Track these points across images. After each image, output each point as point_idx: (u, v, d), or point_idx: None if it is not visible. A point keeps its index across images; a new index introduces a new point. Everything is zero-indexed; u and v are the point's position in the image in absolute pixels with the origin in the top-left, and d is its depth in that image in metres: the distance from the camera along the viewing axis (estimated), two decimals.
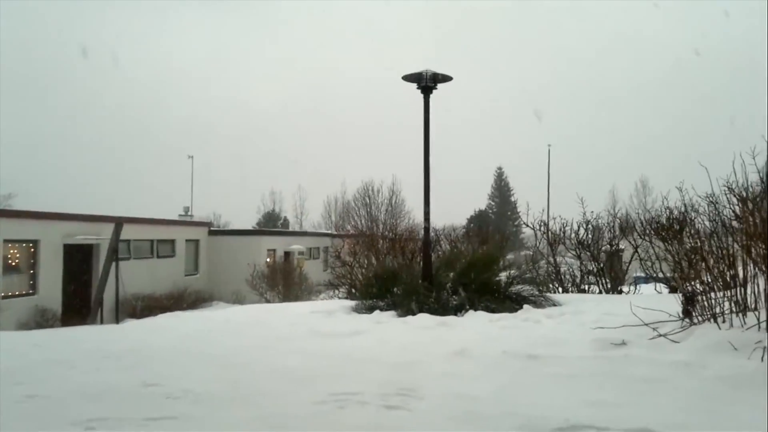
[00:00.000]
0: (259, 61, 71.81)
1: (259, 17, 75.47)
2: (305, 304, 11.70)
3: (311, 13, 75.62)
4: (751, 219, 5.97)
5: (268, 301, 20.68)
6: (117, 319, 18.12)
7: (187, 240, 26.91)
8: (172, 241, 25.88)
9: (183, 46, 68.00)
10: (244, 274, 23.26)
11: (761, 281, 5.02)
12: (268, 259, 26.66)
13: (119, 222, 20.07)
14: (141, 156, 57.59)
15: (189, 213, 32.09)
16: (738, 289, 5.21)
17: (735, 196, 8.00)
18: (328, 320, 7.73)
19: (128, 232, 20.89)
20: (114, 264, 19.48)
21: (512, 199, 65.77)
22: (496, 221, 57.23)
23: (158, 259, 24.62)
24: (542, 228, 12.94)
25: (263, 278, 22.78)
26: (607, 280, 11.92)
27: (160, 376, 4.79)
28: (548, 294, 9.15)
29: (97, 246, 20.35)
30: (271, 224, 50.85)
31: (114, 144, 57.29)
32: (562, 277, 11.87)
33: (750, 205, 6.91)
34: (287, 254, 28.58)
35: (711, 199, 9.48)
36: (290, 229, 48.79)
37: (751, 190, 8.02)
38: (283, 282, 22.24)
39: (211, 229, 30.40)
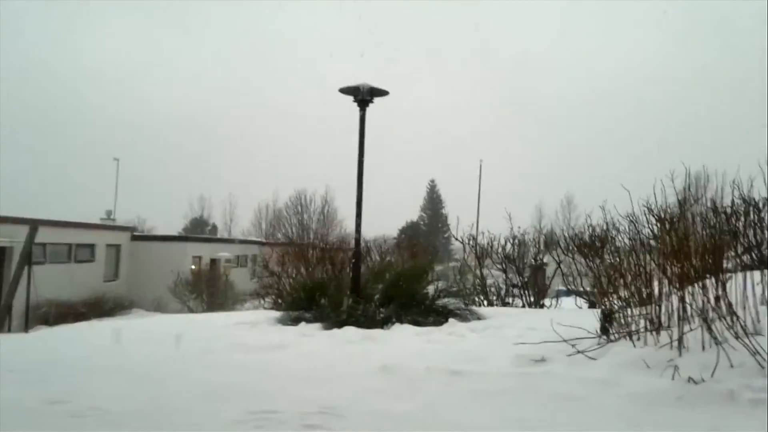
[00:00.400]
0: (194, 63, 70.17)
1: (193, 18, 73.81)
2: (229, 314, 11.41)
3: (248, 14, 74.60)
4: (667, 238, 6.22)
5: (191, 310, 20.10)
6: (27, 327, 17.14)
7: (107, 245, 25.89)
8: (92, 246, 24.87)
9: (110, 44, 65.73)
10: (167, 282, 22.55)
11: (674, 300, 5.20)
12: (193, 266, 25.94)
13: (34, 224, 19.07)
14: (64, 156, 55.06)
15: (112, 216, 30.90)
16: (653, 307, 5.38)
17: (654, 216, 8.38)
18: (251, 332, 7.54)
19: (45, 235, 19.86)
20: (27, 268, 18.48)
21: (444, 211, 66.74)
22: (427, 233, 57.90)
23: (76, 263, 23.57)
24: (471, 242, 13.14)
25: (187, 286, 22.12)
26: (531, 294, 12.21)
27: (68, 392, 4.52)
28: (473, 307, 9.26)
29: (11, 249, 19.30)
30: (199, 230, 49.56)
31: (34, 143, 54.52)
32: (488, 290, 12.07)
33: (667, 225, 7.23)
34: (214, 261, 27.89)
35: (631, 218, 9.89)
36: (218, 236, 47.73)
37: (669, 210, 8.42)
38: (208, 290, 21.67)
39: (134, 234, 29.35)
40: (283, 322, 8.62)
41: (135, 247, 27.30)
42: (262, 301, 13.61)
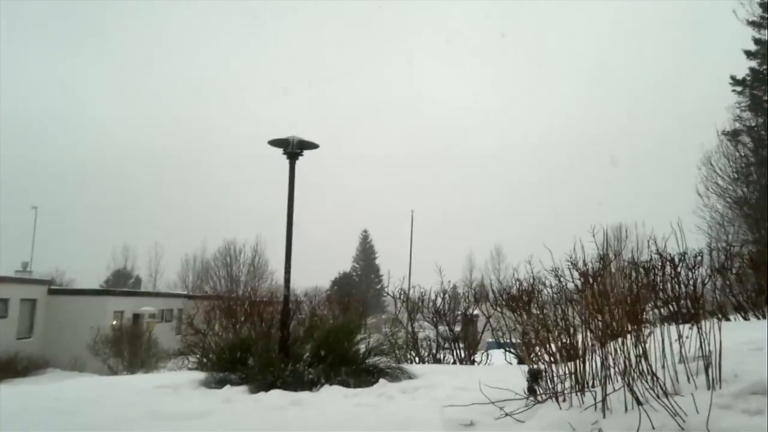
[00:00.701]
0: (117, 107, 68.82)
1: (117, 61, 72.65)
2: (150, 376, 10.89)
3: (177, 60, 74.08)
4: (589, 293, 6.38)
5: (112, 370, 19.12)
6: None
7: (22, 299, 24.54)
8: (5, 300, 23.51)
9: (27, 86, 63.75)
10: (86, 339, 21.44)
11: (598, 359, 5.29)
12: (114, 322, 24.80)
13: None
14: None
15: (28, 269, 29.38)
16: (577, 365, 5.45)
17: (577, 270, 8.63)
18: (172, 398, 7.18)
19: None
20: None
21: (377, 261, 66.83)
22: (360, 284, 57.72)
23: None
24: (402, 296, 13.11)
25: (107, 343, 21.08)
26: (462, 348, 12.20)
27: None
28: (404, 365, 9.17)
29: None
30: (122, 283, 47.60)
31: None
32: (419, 346, 12.02)
33: (590, 280, 7.44)
34: (136, 316, 26.75)
35: (556, 272, 10.17)
36: (143, 288, 45.88)
37: (591, 265, 8.70)
38: (130, 348, 20.69)
39: (51, 287, 27.92)
40: (207, 384, 8.28)
41: (52, 302, 25.96)
42: (186, 361, 13.06)
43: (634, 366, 4.76)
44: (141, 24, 69.62)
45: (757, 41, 23.83)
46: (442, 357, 12.08)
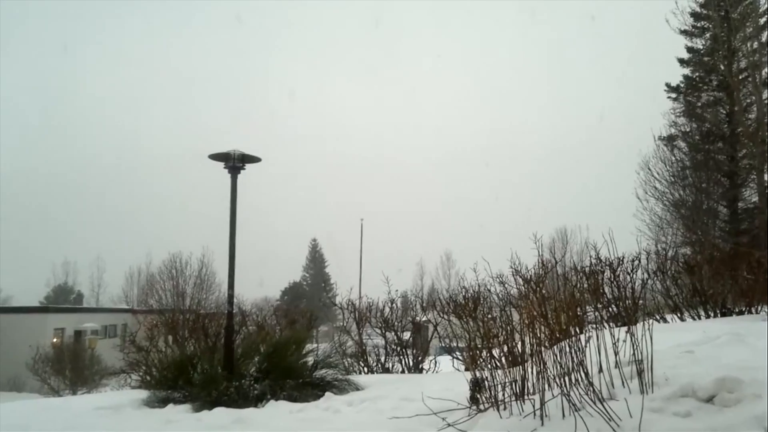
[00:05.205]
0: (52, 118, 66.66)
1: (66, 64, 70.46)
2: (90, 396, 10.54)
3: (118, 73, 72.35)
4: (532, 298, 6.49)
5: (53, 389, 18.44)
6: None
7: None
8: None
9: None
10: (26, 357, 20.63)
11: (539, 364, 5.36)
12: (55, 339, 23.97)
13: None
14: None
15: None
16: (518, 371, 5.52)
17: (520, 276, 8.80)
18: (112, 420, 6.97)
19: None
20: None
21: (327, 270, 66.56)
22: (310, 293, 57.31)
23: None
24: (350, 307, 13.07)
25: (48, 362, 20.35)
26: (410, 357, 12.25)
27: None
28: (352, 377, 9.13)
29: None
30: (62, 299, 45.94)
31: None
32: (368, 356, 12.01)
33: (533, 285, 7.59)
34: (78, 333, 25.91)
35: (501, 278, 10.34)
36: (85, 304, 44.42)
37: (534, 271, 8.88)
38: (71, 366, 20.02)
39: None
40: (149, 404, 8.08)
41: None
42: (129, 379, 12.68)
43: (571, 373, 4.86)
44: (76, 24, 67.77)
45: (689, 49, 24.81)
46: (391, 366, 12.08)
